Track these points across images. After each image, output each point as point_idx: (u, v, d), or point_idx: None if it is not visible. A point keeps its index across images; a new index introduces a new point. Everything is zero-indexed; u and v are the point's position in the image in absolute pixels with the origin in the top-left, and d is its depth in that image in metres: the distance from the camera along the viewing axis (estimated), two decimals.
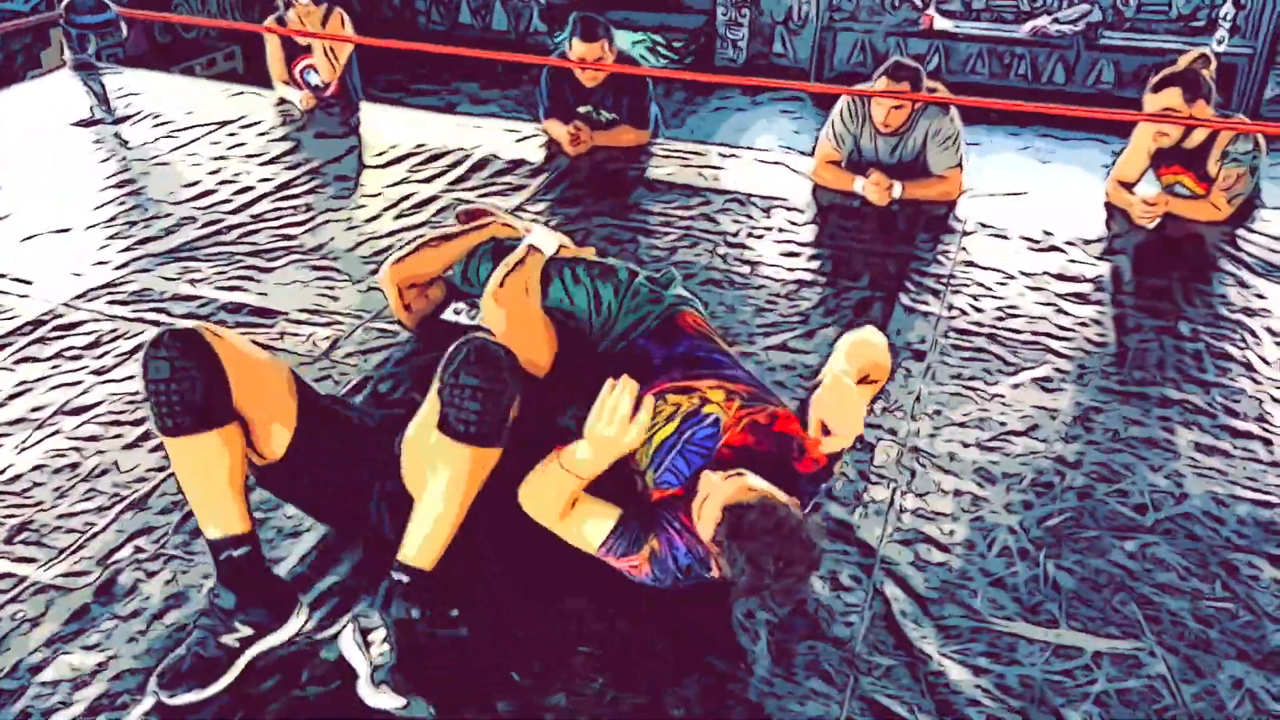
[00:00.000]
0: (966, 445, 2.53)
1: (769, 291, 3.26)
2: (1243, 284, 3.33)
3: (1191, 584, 2.12)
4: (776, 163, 4.28)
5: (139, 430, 2.52)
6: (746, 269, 3.40)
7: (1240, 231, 3.68)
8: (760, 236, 3.64)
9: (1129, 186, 3.91)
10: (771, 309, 3.16)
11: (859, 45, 8.60)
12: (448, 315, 2.43)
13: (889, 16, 8.41)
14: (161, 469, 2.37)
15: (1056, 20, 7.71)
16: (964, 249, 3.56)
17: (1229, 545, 2.22)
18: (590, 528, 1.89)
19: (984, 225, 3.74)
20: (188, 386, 1.80)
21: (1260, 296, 3.26)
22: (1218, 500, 2.35)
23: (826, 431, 1.83)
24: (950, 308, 3.18)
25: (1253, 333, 3.05)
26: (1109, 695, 1.86)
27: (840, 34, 8.57)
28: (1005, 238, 3.65)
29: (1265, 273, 3.40)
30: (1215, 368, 2.87)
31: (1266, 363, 2.89)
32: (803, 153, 4.50)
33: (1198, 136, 3.67)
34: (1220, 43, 7.36)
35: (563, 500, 1.89)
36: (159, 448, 2.42)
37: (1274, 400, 2.72)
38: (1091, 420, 2.64)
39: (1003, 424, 2.62)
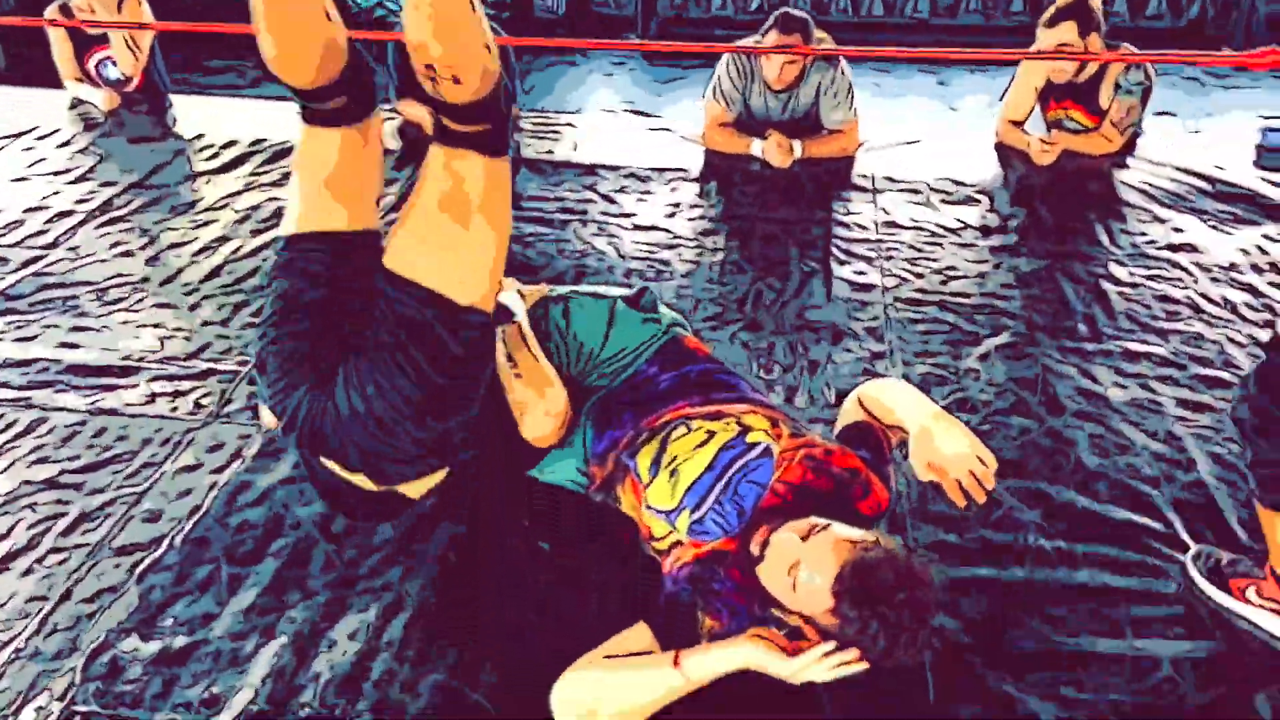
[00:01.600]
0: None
1: (698, 279, 2.99)
2: (1158, 219, 3.31)
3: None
4: (662, 129, 3.99)
5: None
6: (668, 254, 3.12)
7: (1134, 162, 3.66)
8: (671, 215, 3.35)
9: (1019, 125, 3.84)
10: (708, 299, 2.89)
11: None
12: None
13: None
14: (42, 597, 1.89)
15: None
16: (882, 209, 3.39)
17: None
18: (649, 680, 1.57)
19: (892, 180, 3.59)
20: None
21: (1178, 230, 3.24)
22: (1222, 462, 2.26)
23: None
24: (889, 275, 3.01)
25: (1186, 270, 3.01)
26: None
27: None
28: (918, 191, 3.50)
29: (1174, 204, 3.39)
30: (1165, 313, 2.81)
31: (1211, 301, 2.86)
32: (643, 112, 4.25)
33: (1089, 69, 3.62)
34: None
35: (657, 705, 1.57)
36: (29, 571, 1.95)
37: (1232, 342, 2.67)
38: (1070, 386, 2.51)
39: (987, 403, 2.46)
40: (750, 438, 1.73)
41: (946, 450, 1.59)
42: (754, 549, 1.61)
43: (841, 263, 3.07)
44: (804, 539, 1.54)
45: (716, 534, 1.65)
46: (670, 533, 1.72)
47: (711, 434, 1.73)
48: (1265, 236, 3.17)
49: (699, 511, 1.67)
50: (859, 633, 1.43)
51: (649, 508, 1.74)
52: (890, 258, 3.09)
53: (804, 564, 1.51)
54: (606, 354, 1.88)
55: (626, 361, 1.89)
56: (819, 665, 1.47)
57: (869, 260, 3.08)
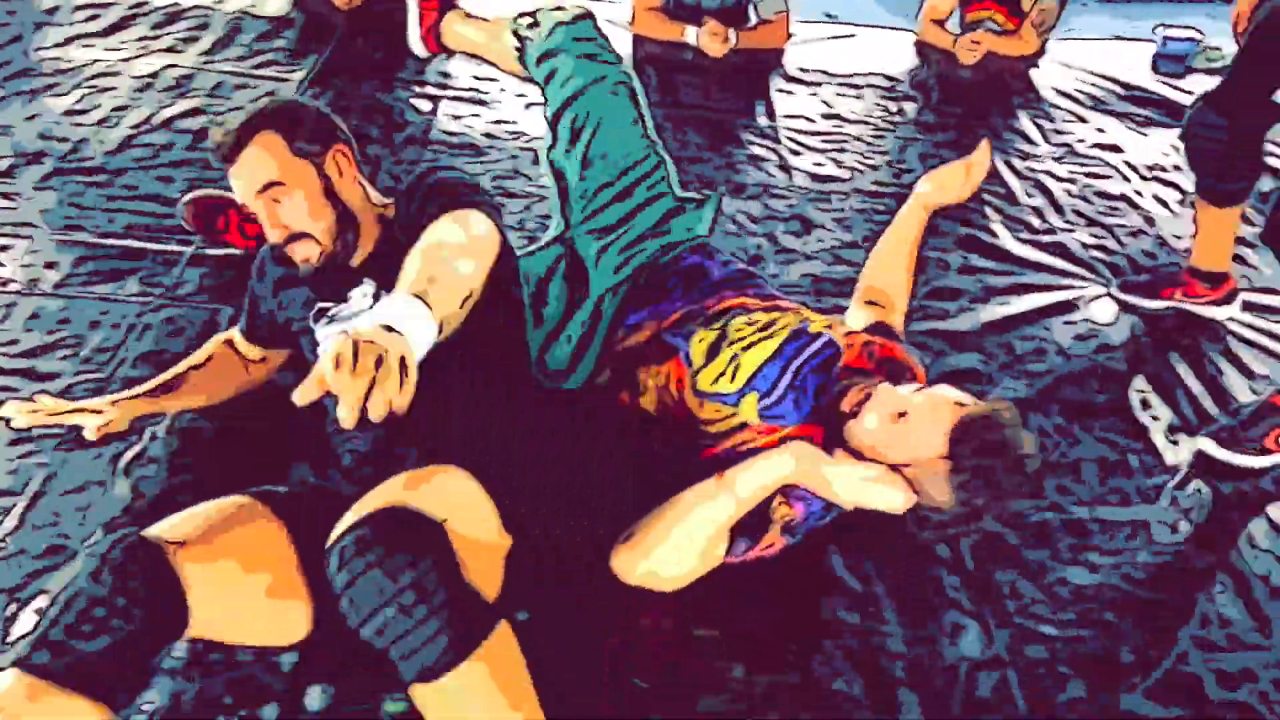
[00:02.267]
0: (954, 316, 2.40)
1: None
2: (1081, 119, 3.42)
3: None
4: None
5: None
6: None
7: (1046, 65, 3.77)
8: None
9: (941, 24, 3.87)
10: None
11: None
12: None
13: None
14: (13, 491, 1.67)
15: None
16: (823, 102, 3.37)
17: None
18: (696, 509, 1.54)
19: (829, 74, 3.56)
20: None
21: (1100, 130, 3.37)
22: (1187, 347, 2.39)
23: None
24: (843, 167, 3.00)
25: (1118, 169, 3.14)
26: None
27: None
28: (858, 86, 3.50)
29: (1094, 106, 3.52)
30: (1107, 208, 2.93)
31: (1144, 198, 2.99)
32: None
33: None
34: None
35: (720, 538, 1.53)
36: None
37: (1176, 237, 2.82)
38: (1036, 276, 2.59)
39: (963, 291, 2.50)
40: (812, 328, 1.71)
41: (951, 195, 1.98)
42: (845, 408, 1.58)
43: (795, 154, 3.04)
44: (915, 392, 1.53)
45: (793, 419, 1.62)
46: (731, 415, 1.67)
47: (773, 322, 1.70)
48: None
49: (771, 396, 1.63)
50: (966, 482, 1.43)
51: (699, 392, 1.69)
52: (843, 150, 3.09)
53: (916, 412, 1.49)
54: (642, 234, 1.88)
55: (652, 246, 1.88)
56: (866, 476, 1.48)
57: (823, 152, 3.07)
